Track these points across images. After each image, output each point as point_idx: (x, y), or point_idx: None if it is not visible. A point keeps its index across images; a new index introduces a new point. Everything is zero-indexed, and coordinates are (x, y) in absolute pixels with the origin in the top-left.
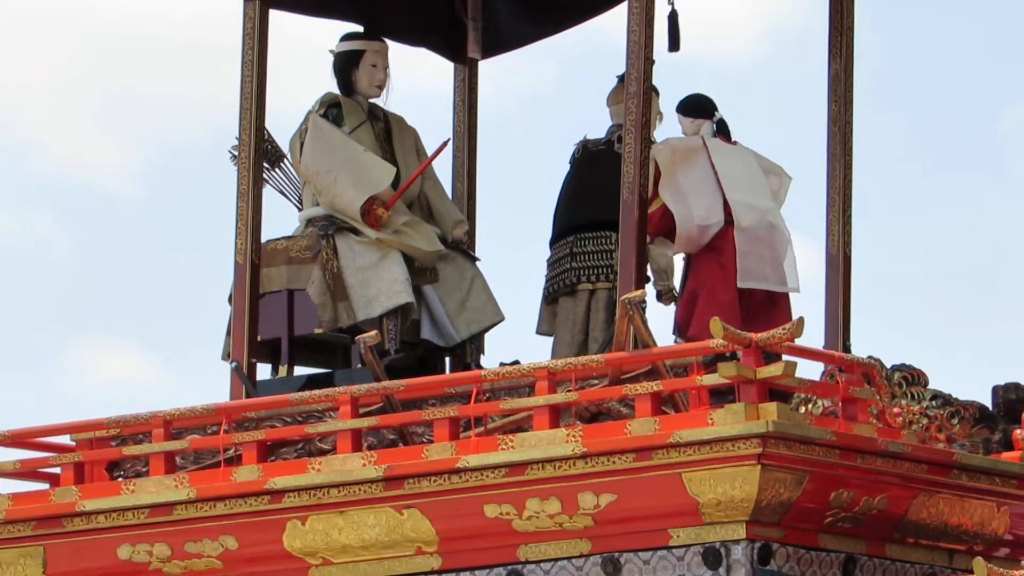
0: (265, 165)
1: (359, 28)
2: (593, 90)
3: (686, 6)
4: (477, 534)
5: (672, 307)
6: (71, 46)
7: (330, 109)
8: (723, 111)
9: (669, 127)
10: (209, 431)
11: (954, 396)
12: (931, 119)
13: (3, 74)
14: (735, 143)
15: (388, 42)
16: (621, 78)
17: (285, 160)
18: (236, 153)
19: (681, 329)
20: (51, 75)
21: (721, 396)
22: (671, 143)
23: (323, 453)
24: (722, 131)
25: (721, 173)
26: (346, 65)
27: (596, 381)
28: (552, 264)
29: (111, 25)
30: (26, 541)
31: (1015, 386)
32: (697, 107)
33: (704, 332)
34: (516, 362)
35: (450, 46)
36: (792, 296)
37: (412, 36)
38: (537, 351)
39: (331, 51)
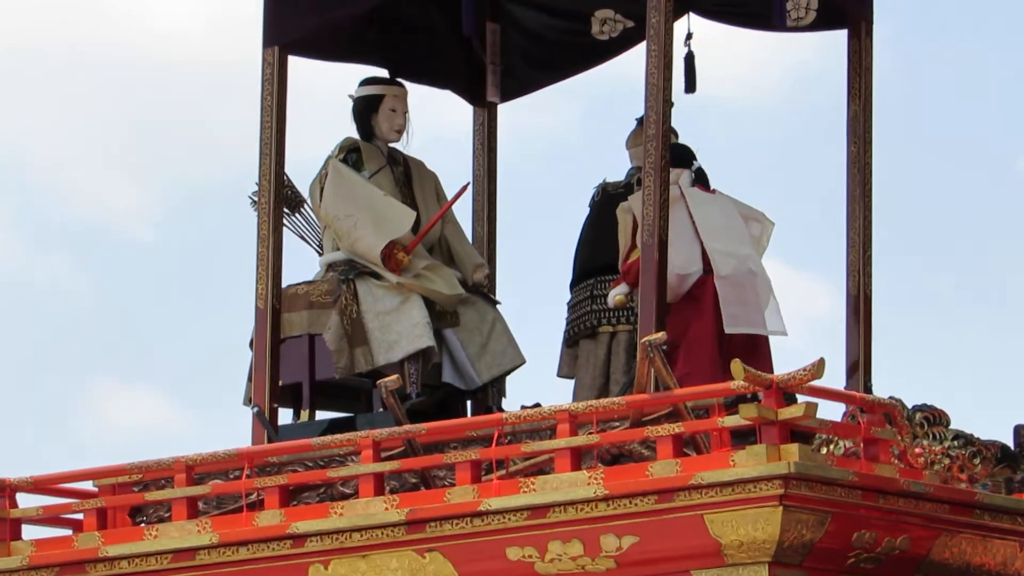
0: (285, 211)
1: (378, 71)
2: (612, 132)
3: (704, 48)
4: None
5: None
6: (89, 86)
7: (349, 154)
8: (741, 152)
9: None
10: (231, 476)
11: (976, 436)
12: (951, 160)
13: (19, 113)
14: (714, 191)
15: (408, 85)
16: (640, 121)
17: (305, 205)
18: (256, 199)
19: None
20: (67, 115)
21: (743, 437)
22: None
23: (345, 497)
24: (700, 180)
25: (699, 222)
26: (365, 110)
27: (617, 423)
28: (573, 307)
29: (129, 64)
30: None
31: None
32: (676, 157)
33: (685, 381)
34: (537, 405)
35: (470, 89)
36: (810, 336)
37: (432, 79)
38: (558, 394)
39: (350, 96)
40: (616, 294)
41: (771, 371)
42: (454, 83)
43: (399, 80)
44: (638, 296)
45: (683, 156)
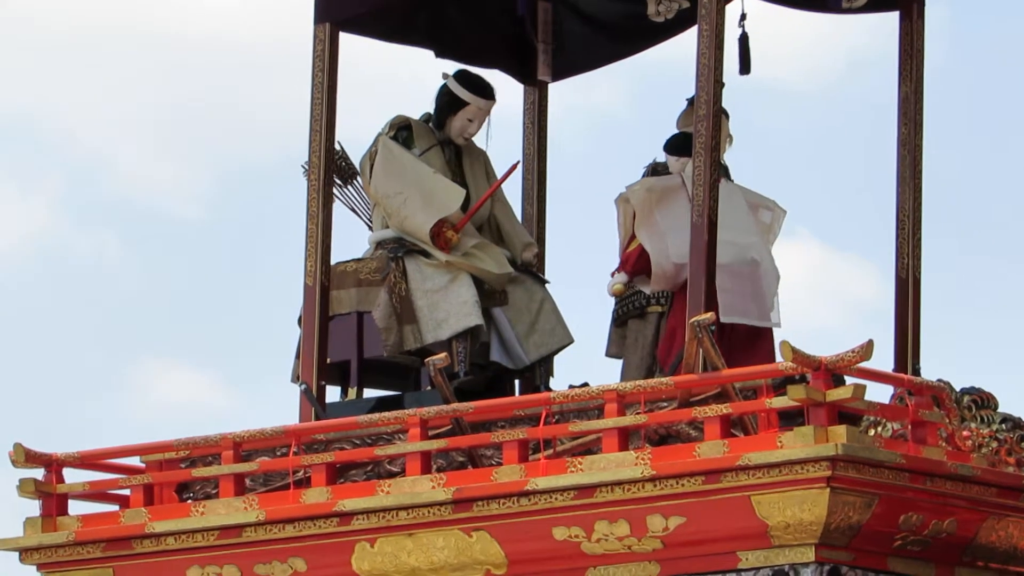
0: (337, 182)
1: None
2: (663, 112)
3: (758, 29)
4: (546, 557)
5: None
6: (137, 65)
7: (400, 131)
8: (792, 133)
9: (738, 150)
10: (278, 453)
11: None
12: (1003, 141)
13: (71, 89)
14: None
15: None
16: (691, 101)
17: (358, 177)
18: (308, 167)
19: (659, 364)
20: (116, 94)
21: (790, 419)
22: (647, 183)
23: (392, 475)
24: None
25: None
26: (446, 107)
27: (665, 404)
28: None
29: (177, 44)
30: (96, 563)
31: None
32: (682, 146)
33: (683, 370)
34: (585, 384)
35: (520, 68)
36: (856, 318)
37: (481, 59)
38: (606, 373)
39: (444, 75)
40: (615, 283)
41: (772, 362)
42: (503, 62)
43: (492, 93)
44: (638, 285)
45: (689, 145)
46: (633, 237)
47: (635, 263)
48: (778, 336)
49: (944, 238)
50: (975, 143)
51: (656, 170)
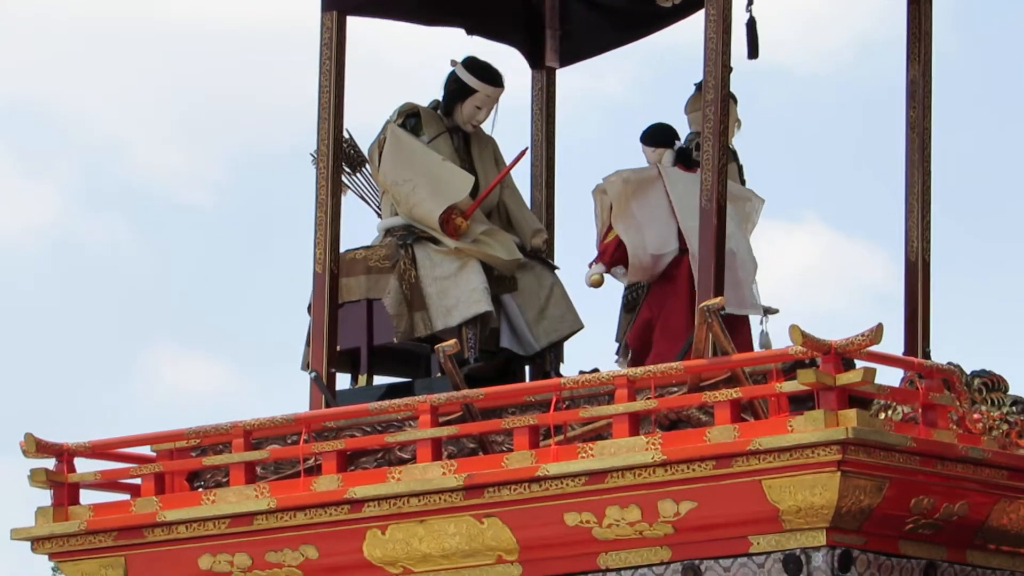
0: (346, 169)
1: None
2: (672, 97)
3: (765, 14)
4: (557, 542)
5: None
6: (150, 54)
7: (408, 119)
8: (801, 117)
9: (747, 134)
10: (289, 441)
11: None
12: (1012, 124)
13: (85, 78)
14: (695, 171)
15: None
16: (699, 86)
17: (367, 165)
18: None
19: (632, 353)
20: (132, 80)
21: (801, 403)
22: (622, 174)
23: (403, 462)
24: (682, 160)
25: (676, 202)
26: (454, 94)
27: (675, 388)
28: None
29: (191, 32)
30: (107, 551)
31: None
32: (658, 137)
33: (660, 359)
34: (595, 370)
35: (529, 52)
36: (865, 302)
37: (491, 35)
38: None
39: (452, 62)
40: (592, 274)
41: (750, 350)
42: (514, 38)
43: (500, 80)
44: (616, 276)
45: (665, 135)
46: (610, 228)
47: (612, 254)
48: (786, 320)
49: (953, 221)
50: (985, 126)
51: None
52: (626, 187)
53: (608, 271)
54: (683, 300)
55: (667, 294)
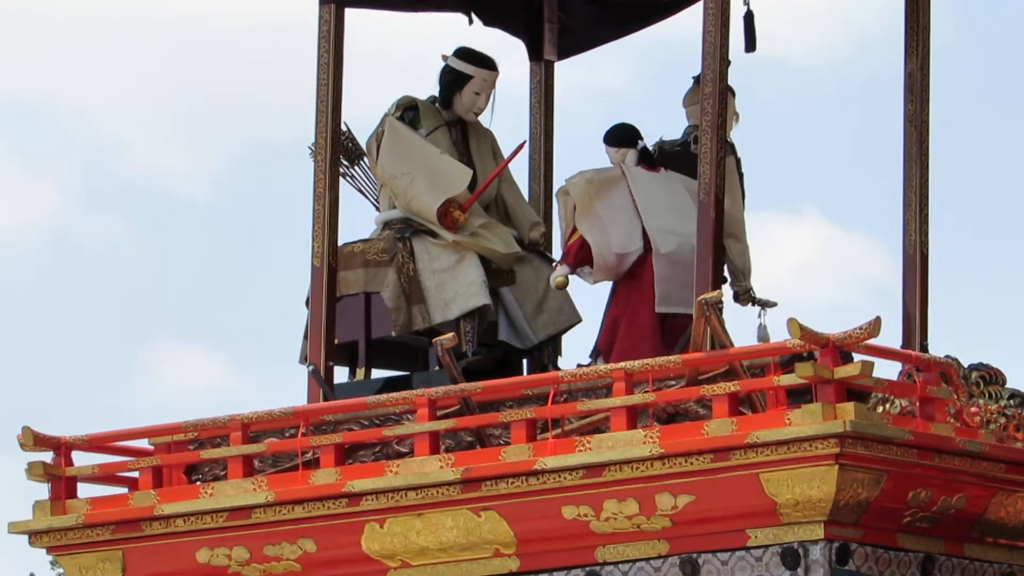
0: (344, 163)
1: (471, 43)
2: (670, 90)
3: (763, 7)
4: (555, 536)
5: (749, 307)
6: (152, 49)
7: (406, 112)
8: (799, 110)
9: (745, 127)
10: (287, 434)
11: None
12: (1011, 118)
13: (85, 76)
14: (659, 170)
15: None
16: (697, 79)
17: (365, 158)
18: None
19: (602, 354)
20: (131, 78)
21: (798, 396)
22: (586, 175)
23: (401, 456)
24: (645, 159)
25: (640, 201)
26: (451, 84)
27: (673, 382)
28: None
29: (193, 29)
30: (105, 545)
31: None
32: (620, 137)
33: (626, 357)
34: (593, 363)
35: (528, 44)
36: (863, 295)
37: (492, 23)
38: None
39: (443, 56)
40: (557, 275)
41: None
42: (513, 26)
43: (494, 64)
44: (581, 276)
45: (628, 135)
46: (575, 229)
47: (576, 254)
48: (785, 313)
49: (951, 215)
50: (983, 120)
51: (663, 148)
52: (589, 187)
53: (573, 272)
54: (647, 299)
55: (632, 291)
